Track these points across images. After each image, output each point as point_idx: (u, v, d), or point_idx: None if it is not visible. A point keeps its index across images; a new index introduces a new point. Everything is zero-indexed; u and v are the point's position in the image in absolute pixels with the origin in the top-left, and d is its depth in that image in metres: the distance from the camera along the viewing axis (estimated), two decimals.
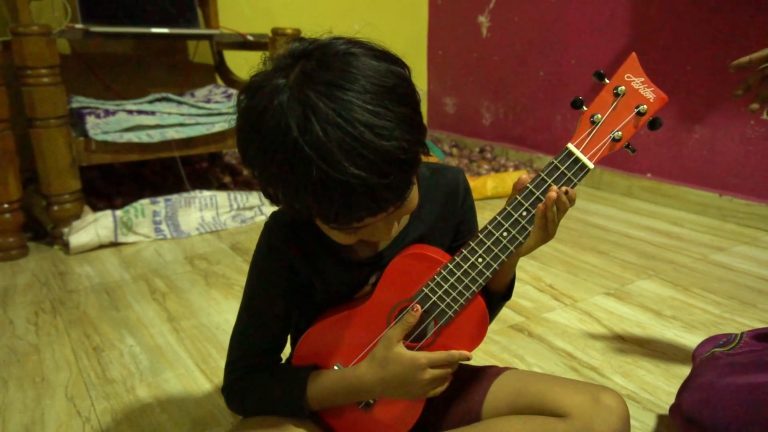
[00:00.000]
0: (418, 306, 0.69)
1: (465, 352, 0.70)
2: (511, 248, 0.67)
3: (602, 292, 1.46)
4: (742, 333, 0.90)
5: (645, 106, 0.65)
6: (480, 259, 0.68)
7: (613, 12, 2.27)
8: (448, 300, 0.69)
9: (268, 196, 0.61)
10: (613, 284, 1.50)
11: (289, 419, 0.73)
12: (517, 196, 0.67)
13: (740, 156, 1.97)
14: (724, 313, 1.33)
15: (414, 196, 0.65)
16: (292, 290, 0.74)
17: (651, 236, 1.86)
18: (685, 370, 1.05)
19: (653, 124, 0.65)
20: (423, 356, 0.68)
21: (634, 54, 0.66)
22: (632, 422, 0.89)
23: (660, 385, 1.05)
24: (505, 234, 0.67)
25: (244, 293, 0.77)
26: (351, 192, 0.54)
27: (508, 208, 0.67)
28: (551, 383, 0.76)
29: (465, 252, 0.68)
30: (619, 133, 0.65)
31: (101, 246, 1.77)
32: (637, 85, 0.65)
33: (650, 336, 1.24)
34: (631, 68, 0.65)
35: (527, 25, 2.66)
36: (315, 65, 0.56)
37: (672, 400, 0.89)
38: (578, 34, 2.42)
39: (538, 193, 0.66)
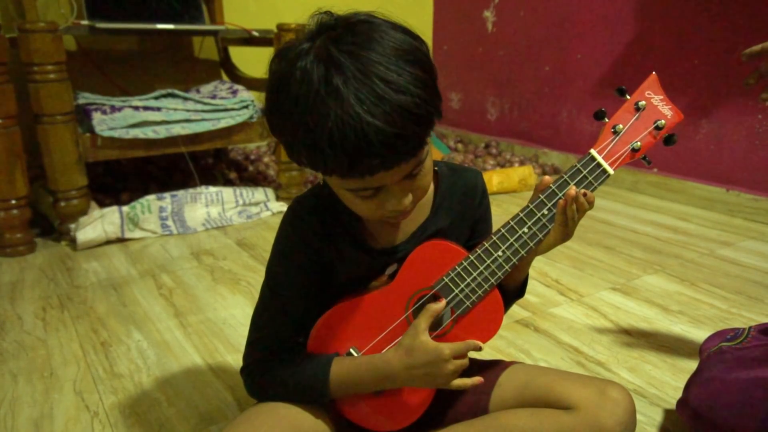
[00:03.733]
0: (443, 298, 0.72)
1: (476, 342, 0.71)
2: (531, 244, 0.71)
3: (608, 287, 1.45)
4: (750, 327, 0.89)
5: (663, 121, 0.71)
6: (501, 254, 0.71)
7: (619, 6, 2.26)
8: (467, 291, 0.72)
9: (290, 154, 0.64)
10: (620, 279, 1.49)
11: (298, 406, 0.74)
12: (540, 195, 0.71)
13: (747, 150, 1.96)
14: (731, 308, 1.33)
15: (428, 168, 0.68)
16: (314, 269, 0.76)
17: (657, 231, 1.85)
18: (692, 365, 1.05)
19: (668, 140, 0.72)
20: (446, 347, 0.69)
21: (654, 74, 0.72)
22: (639, 417, 0.89)
23: (667, 380, 1.05)
24: (526, 231, 0.71)
25: (266, 273, 0.78)
26: (365, 139, 0.57)
27: (531, 206, 0.71)
28: (558, 376, 0.77)
29: (487, 245, 0.71)
30: (638, 143, 0.71)
31: (108, 242, 1.78)
32: (656, 102, 0.71)
33: (657, 331, 1.23)
34: (651, 86, 0.71)
35: (533, 19, 2.65)
36: (341, 31, 0.60)
37: (679, 394, 0.89)
38: (584, 28, 2.41)
39: (560, 195, 0.70)
